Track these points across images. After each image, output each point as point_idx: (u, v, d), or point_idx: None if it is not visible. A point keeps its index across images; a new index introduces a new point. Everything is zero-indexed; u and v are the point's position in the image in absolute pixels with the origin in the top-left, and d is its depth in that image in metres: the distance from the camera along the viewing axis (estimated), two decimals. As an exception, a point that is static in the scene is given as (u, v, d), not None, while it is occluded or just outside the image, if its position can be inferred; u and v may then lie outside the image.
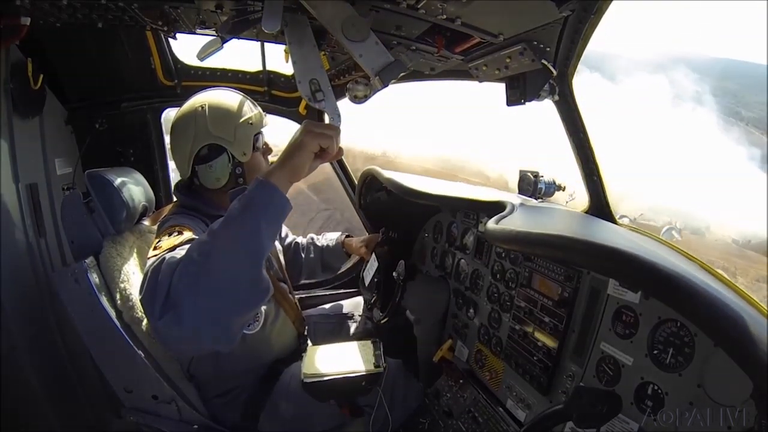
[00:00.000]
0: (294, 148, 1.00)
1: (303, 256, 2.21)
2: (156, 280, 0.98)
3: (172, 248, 1.13)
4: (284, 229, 2.24)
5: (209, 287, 0.92)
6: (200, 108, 1.48)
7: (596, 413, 1.01)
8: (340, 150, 1.07)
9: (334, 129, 1.03)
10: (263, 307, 1.59)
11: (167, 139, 2.47)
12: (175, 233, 1.26)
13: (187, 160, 1.49)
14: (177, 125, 1.51)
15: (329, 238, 2.25)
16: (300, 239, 2.26)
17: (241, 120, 1.49)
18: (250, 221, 0.94)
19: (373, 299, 2.11)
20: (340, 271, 2.58)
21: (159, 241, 1.24)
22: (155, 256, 1.12)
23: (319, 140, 1.00)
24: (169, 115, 2.46)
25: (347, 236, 2.26)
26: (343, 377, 1.58)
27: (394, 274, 1.98)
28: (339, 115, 1.08)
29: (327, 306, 2.29)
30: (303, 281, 2.32)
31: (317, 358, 1.67)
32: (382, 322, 1.99)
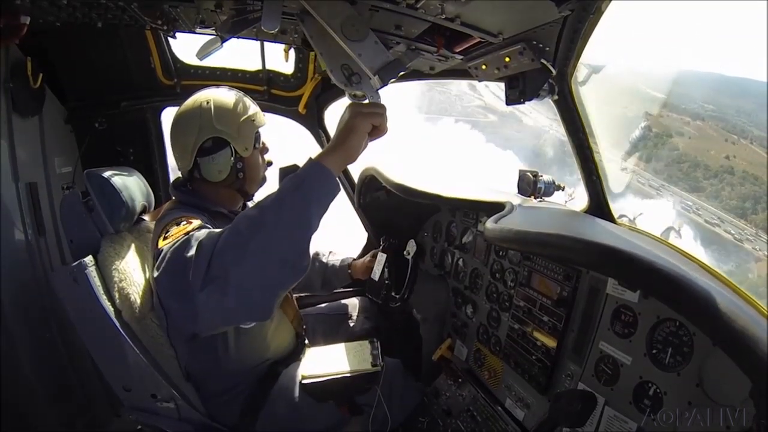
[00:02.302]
0: (348, 131, 1.02)
1: None
2: (183, 256, 1.01)
3: (187, 233, 1.14)
4: None
5: (256, 259, 0.94)
6: (205, 103, 1.50)
7: (573, 412, 1.04)
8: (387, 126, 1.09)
9: (382, 106, 1.05)
10: None
11: (167, 138, 2.47)
12: (184, 222, 1.28)
13: (190, 153, 1.50)
14: (181, 119, 1.53)
15: (336, 258, 2.24)
16: None
17: (244, 117, 1.52)
18: (301, 200, 0.97)
19: (386, 286, 2.09)
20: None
21: (167, 231, 1.25)
22: (169, 242, 1.14)
23: (371, 120, 1.03)
24: (169, 114, 2.46)
25: (354, 259, 2.26)
26: (341, 377, 1.58)
27: (405, 252, 2.00)
28: (378, 93, 1.09)
29: (325, 305, 2.29)
30: (297, 293, 2.30)
31: (315, 359, 1.68)
32: (396, 305, 1.99)
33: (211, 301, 0.95)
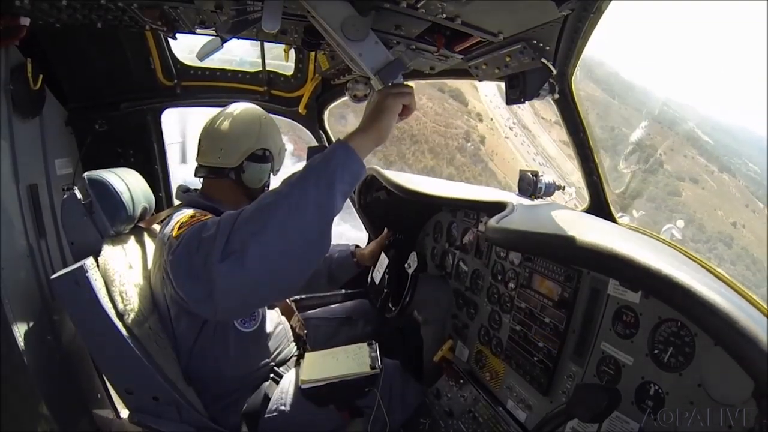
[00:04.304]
0: (379, 111, 1.02)
1: None
2: (200, 236, 1.01)
3: (202, 221, 1.15)
4: None
5: (276, 233, 0.93)
6: (264, 117, 1.67)
7: (597, 407, 1.02)
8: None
9: (409, 86, 1.06)
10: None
11: (167, 139, 2.47)
12: (197, 215, 1.31)
13: (241, 154, 1.60)
14: (243, 121, 1.62)
15: (338, 248, 2.25)
16: None
17: (282, 142, 1.71)
18: (326, 179, 0.96)
19: (384, 294, 2.10)
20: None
21: (180, 224, 1.26)
22: (184, 230, 1.14)
23: (401, 99, 1.03)
24: (169, 115, 2.46)
25: (357, 246, 2.27)
26: (340, 381, 1.58)
27: (405, 265, 2.00)
28: (401, 76, 1.09)
29: (326, 308, 2.29)
30: (302, 294, 2.31)
31: (314, 364, 1.68)
32: (393, 315, 1.99)
33: (230, 274, 0.93)
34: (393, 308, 2.01)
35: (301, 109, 2.44)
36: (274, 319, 1.69)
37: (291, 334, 1.80)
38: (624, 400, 1.12)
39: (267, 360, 1.66)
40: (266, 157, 1.64)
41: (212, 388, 1.56)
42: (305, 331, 1.90)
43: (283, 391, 1.61)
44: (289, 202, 0.94)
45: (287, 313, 1.79)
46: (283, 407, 1.57)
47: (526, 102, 1.38)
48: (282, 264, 0.96)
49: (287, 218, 0.94)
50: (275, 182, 1.74)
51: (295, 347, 1.82)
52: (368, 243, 2.68)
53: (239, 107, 1.65)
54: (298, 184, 0.96)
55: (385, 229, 2.22)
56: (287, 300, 1.83)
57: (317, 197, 0.95)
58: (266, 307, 1.64)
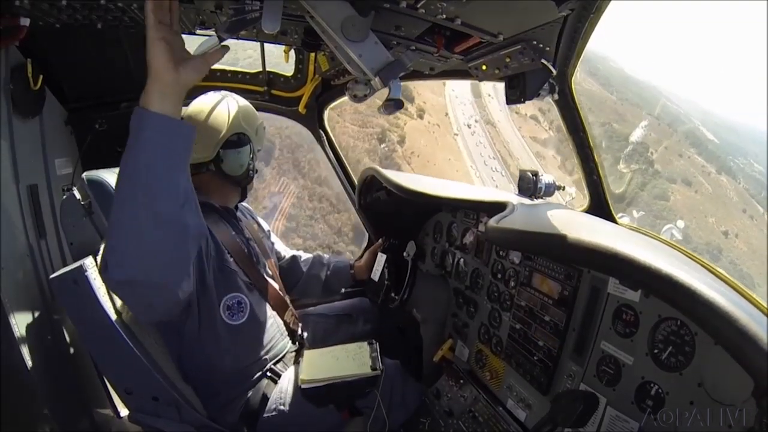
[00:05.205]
0: (149, 68, 0.98)
1: (304, 269, 2.20)
2: None
3: None
4: (279, 246, 2.26)
5: (121, 225, 0.94)
6: (231, 101, 1.63)
7: (574, 412, 1.04)
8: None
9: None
10: (247, 299, 1.58)
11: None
12: None
13: (215, 144, 1.58)
14: (210, 111, 1.60)
15: (336, 259, 2.27)
16: (301, 254, 2.27)
17: (259, 121, 1.70)
18: (132, 150, 0.95)
19: (385, 287, 2.10)
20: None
21: None
22: None
23: (154, 40, 0.95)
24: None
25: (355, 261, 2.30)
26: (341, 381, 1.58)
27: (404, 254, 2.02)
28: (398, 81, 1.07)
29: (325, 305, 2.29)
30: (297, 298, 2.27)
31: (314, 363, 1.67)
32: (395, 305, 2.00)
33: (105, 281, 0.99)
34: (396, 297, 2.02)
35: (301, 109, 2.45)
36: (264, 312, 1.68)
37: (284, 328, 1.79)
38: (624, 399, 1.12)
39: (261, 353, 1.64)
40: (242, 141, 1.62)
41: (208, 384, 1.56)
42: (300, 325, 1.90)
43: (282, 390, 1.60)
44: (118, 191, 0.95)
45: (280, 307, 1.78)
46: (282, 407, 1.56)
47: (526, 102, 1.39)
48: (127, 253, 0.94)
49: (121, 203, 0.93)
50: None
51: (290, 342, 1.81)
52: (368, 243, 2.69)
53: (203, 99, 1.63)
54: (121, 168, 0.96)
55: (380, 239, 2.24)
56: (281, 294, 1.82)
57: (130, 173, 0.94)
58: (254, 300, 1.62)
